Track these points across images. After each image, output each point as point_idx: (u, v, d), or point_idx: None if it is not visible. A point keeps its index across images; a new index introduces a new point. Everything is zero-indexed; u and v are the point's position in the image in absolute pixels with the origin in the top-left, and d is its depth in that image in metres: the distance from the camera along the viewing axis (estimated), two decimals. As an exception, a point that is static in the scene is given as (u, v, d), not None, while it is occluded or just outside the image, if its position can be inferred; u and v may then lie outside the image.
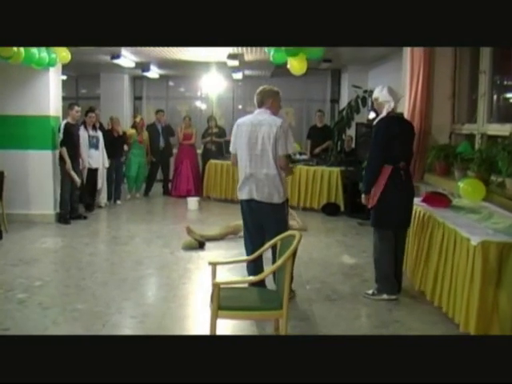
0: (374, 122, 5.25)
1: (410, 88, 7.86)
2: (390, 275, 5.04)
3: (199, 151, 11.69)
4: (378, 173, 4.99)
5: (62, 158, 8.13)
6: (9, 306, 4.67)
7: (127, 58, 10.16)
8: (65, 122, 8.20)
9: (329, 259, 6.43)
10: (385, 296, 5.03)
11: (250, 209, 4.84)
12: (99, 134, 9.26)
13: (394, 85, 8.98)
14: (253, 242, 4.84)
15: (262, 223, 4.84)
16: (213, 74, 12.38)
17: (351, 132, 10.81)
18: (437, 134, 7.83)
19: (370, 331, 4.31)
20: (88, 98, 13.45)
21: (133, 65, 10.80)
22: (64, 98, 8.84)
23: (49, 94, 8.07)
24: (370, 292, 5.12)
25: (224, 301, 3.39)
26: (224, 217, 8.48)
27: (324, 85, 14.08)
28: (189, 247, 6.75)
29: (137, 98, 14.37)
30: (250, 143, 4.74)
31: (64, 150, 8.07)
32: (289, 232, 3.68)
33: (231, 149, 4.98)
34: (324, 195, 9.47)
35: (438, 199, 5.47)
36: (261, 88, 4.98)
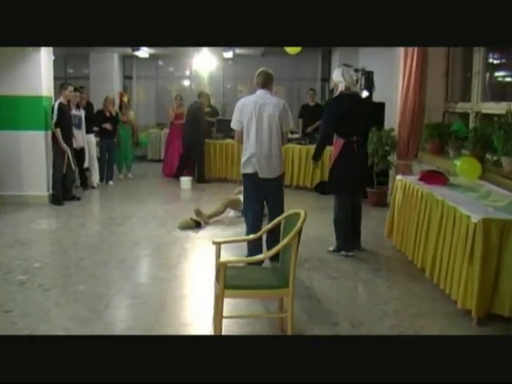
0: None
1: (404, 66, 7.86)
2: (346, 235, 5.68)
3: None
4: (327, 143, 5.82)
5: (55, 139, 8.05)
6: (9, 288, 4.65)
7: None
8: (58, 102, 8.10)
9: (325, 237, 6.46)
10: (343, 252, 5.69)
11: (253, 182, 5.27)
12: (82, 112, 9.14)
13: (385, 64, 9.10)
14: (253, 211, 5.33)
15: (264, 195, 5.34)
16: (203, 52, 12.29)
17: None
18: (430, 113, 7.85)
19: (372, 308, 4.36)
20: (77, 77, 13.27)
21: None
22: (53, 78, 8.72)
23: (40, 74, 7.95)
24: (331, 249, 5.80)
25: (230, 280, 3.40)
26: (217, 196, 8.46)
27: (315, 64, 14.02)
28: (185, 227, 6.75)
29: (126, 78, 14.22)
30: (256, 122, 5.15)
31: (58, 131, 7.99)
32: (294, 210, 3.69)
33: (235, 126, 5.32)
34: (317, 174, 9.49)
35: (435, 177, 5.52)
36: (262, 70, 5.37)
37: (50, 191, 8.20)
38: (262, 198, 5.39)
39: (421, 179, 5.56)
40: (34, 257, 5.58)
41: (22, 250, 5.78)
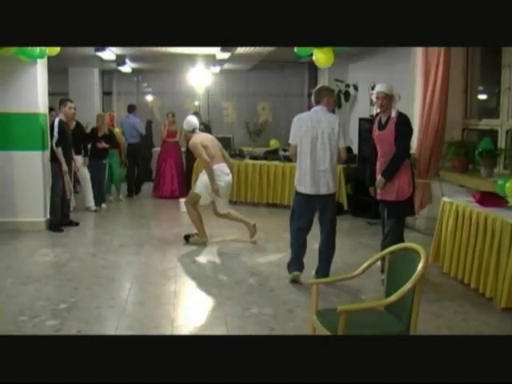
0: (394, 115, 5.23)
1: (424, 83, 7.56)
2: None
3: (183, 149, 11.04)
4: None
5: (55, 159, 7.38)
6: (44, 336, 4.02)
7: (111, 50, 9.42)
8: (58, 119, 7.42)
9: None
10: None
11: (305, 200, 5.27)
12: None
13: (378, 78, 8.86)
14: (299, 226, 5.32)
15: (315, 211, 5.35)
16: (188, 68, 11.77)
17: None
18: (449, 130, 7.59)
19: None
20: (55, 93, 12.44)
21: (113, 57, 10.07)
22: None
23: (36, 89, 7.28)
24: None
25: (348, 329, 2.92)
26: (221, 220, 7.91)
27: (301, 79, 13.70)
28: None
29: (106, 94, 13.52)
30: (311, 139, 5.16)
31: (60, 150, 7.31)
32: (406, 245, 3.25)
33: (291, 140, 5.35)
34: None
35: (494, 199, 5.19)
36: (317, 87, 5.46)
37: (47, 217, 7.50)
38: (311, 215, 5.36)
39: (479, 201, 5.22)
40: (55, 296, 4.94)
41: (39, 288, 5.12)
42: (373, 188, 5.55)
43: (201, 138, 6.82)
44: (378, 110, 5.49)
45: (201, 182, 6.80)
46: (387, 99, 5.21)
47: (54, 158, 7.38)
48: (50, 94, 11.84)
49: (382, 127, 5.32)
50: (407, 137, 5.31)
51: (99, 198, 9.29)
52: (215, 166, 6.66)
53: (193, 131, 6.90)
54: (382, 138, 5.31)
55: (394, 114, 5.23)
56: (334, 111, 9.81)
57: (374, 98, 5.43)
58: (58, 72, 12.32)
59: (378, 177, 5.32)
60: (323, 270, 5.28)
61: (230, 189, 7.14)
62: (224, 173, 6.75)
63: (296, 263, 5.36)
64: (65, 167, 7.34)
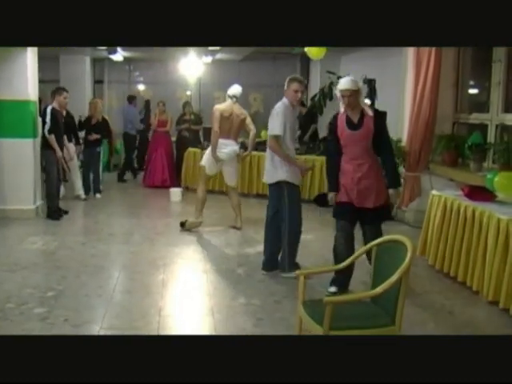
0: (370, 113, 4.66)
1: (416, 77, 7.56)
2: None
3: (173, 139, 11.02)
4: None
5: (49, 147, 7.34)
6: (31, 325, 3.99)
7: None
8: (50, 107, 7.39)
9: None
10: None
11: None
12: None
13: (371, 71, 8.88)
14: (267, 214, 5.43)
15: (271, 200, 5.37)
16: (179, 57, 11.72)
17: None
18: (440, 123, 7.62)
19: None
20: (46, 81, 12.36)
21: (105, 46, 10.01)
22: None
23: (27, 76, 7.23)
24: None
25: (335, 320, 2.93)
26: (212, 209, 7.92)
27: (293, 70, 13.62)
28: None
29: (97, 82, 13.44)
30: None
31: (53, 137, 7.27)
32: (391, 237, 3.26)
33: None
34: (315, 185, 9.11)
35: (483, 193, 5.22)
36: None
37: (37, 204, 7.47)
38: (273, 205, 5.34)
39: (467, 195, 5.25)
40: (43, 283, 4.93)
41: (27, 275, 5.12)
42: (333, 194, 4.85)
43: (225, 108, 6.89)
44: (343, 109, 4.73)
45: (206, 153, 7.07)
46: (354, 96, 4.59)
47: (45, 146, 7.36)
48: (41, 82, 11.84)
49: (354, 127, 4.67)
50: (388, 132, 4.86)
51: (94, 187, 9.25)
52: (220, 140, 6.78)
53: (229, 97, 6.96)
54: (355, 139, 4.68)
55: (370, 112, 4.68)
56: (302, 103, 9.89)
57: (338, 94, 4.73)
58: (48, 59, 12.25)
59: (353, 185, 4.69)
60: None
61: (236, 161, 7.16)
62: (226, 144, 6.86)
63: (264, 258, 5.39)
64: (59, 153, 7.34)
